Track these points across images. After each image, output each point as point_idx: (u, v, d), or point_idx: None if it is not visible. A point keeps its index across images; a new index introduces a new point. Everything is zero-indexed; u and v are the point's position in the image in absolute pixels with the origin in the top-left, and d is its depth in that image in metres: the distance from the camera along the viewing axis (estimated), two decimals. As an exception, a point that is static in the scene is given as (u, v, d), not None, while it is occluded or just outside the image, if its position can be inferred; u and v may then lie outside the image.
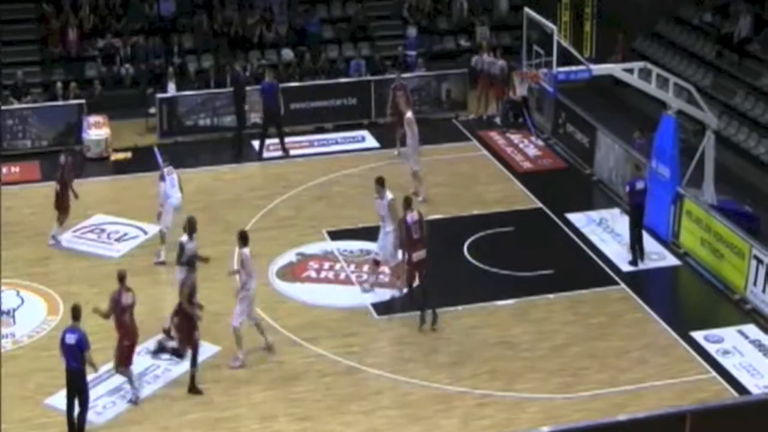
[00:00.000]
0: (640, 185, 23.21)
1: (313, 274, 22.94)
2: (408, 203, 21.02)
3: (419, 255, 20.85)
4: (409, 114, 26.00)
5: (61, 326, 21.00)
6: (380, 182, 21.75)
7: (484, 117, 30.99)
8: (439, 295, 21.96)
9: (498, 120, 30.68)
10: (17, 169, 27.67)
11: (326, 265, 23.23)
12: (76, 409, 17.88)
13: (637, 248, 23.16)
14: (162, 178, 23.72)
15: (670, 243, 23.80)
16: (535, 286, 22.39)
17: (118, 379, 19.38)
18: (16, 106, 29.07)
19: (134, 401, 18.84)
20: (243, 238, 19.96)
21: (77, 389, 17.84)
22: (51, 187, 25.85)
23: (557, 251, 23.89)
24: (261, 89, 28.70)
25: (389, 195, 21.57)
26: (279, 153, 28.42)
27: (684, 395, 18.93)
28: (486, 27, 33.99)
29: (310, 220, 25.01)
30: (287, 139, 29.05)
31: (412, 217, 20.76)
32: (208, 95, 30.13)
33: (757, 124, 27.72)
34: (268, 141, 28.55)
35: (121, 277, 18.78)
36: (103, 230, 24.69)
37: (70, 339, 17.69)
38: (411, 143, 25.83)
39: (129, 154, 28.74)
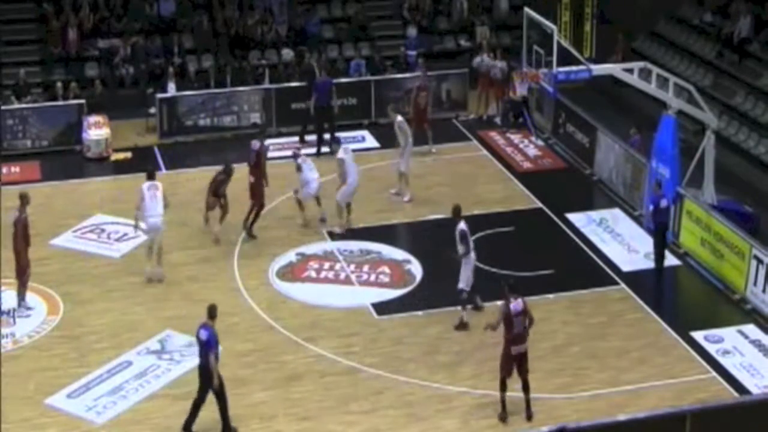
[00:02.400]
0: (664, 203, 22.79)
1: (313, 274, 22.94)
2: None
3: (518, 349, 18.23)
4: (399, 117, 26.08)
5: (62, 326, 21.10)
6: (456, 212, 21.01)
7: (484, 117, 30.99)
8: (440, 295, 22.00)
9: (498, 120, 30.68)
10: (17, 169, 27.67)
11: (326, 265, 23.23)
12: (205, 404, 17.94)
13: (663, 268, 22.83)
14: (299, 169, 24.44)
15: (671, 243, 23.79)
16: (535, 286, 22.37)
17: (118, 379, 19.38)
18: (17, 106, 29.06)
19: None
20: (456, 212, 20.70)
21: (209, 388, 17.79)
22: (51, 187, 25.93)
23: (557, 251, 23.89)
24: (315, 86, 28.70)
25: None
26: (284, 153, 28.43)
27: (684, 395, 18.92)
28: (486, 27, 33.99)
29: (310, 220, 24.98)
30: (288, 139, 29.06)
31: (516, 305, 18.02)
32: (208, 95, 30.12)
33: (757, 124, 27.73)
34: (270, 141, 28.56)
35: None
36: (103, 230, 24.68)
37: (203, 335, 17.66)
38: (404, 145, 25.90)
39: (129, 154, 28.74)
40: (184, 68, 31.64)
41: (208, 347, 17.56)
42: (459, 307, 20.79)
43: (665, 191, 23.12)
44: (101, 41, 31.74)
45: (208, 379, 17.67)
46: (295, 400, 18.94)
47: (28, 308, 21.38)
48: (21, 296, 21.41)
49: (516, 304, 17.92)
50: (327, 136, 28.53)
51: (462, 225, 20.68)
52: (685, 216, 23.60)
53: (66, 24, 31.71)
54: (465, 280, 20.75)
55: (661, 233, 22.84)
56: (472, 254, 20.73)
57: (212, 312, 17.76)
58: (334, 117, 28.78)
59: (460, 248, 20.57)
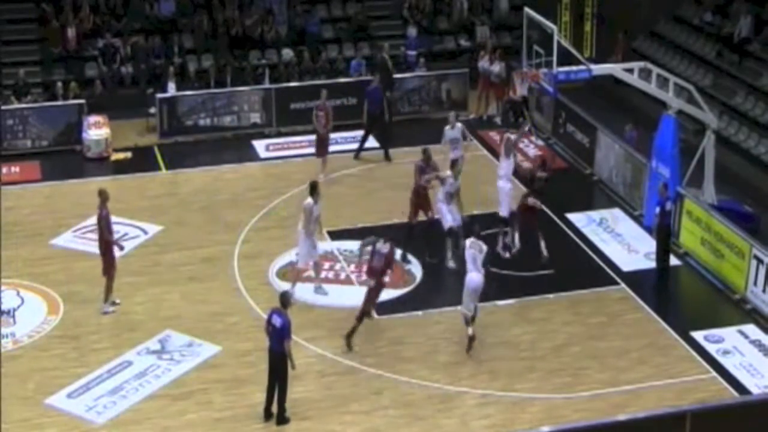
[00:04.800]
0: (669, 205, 22.58)
1: (313, 274, 22.92)
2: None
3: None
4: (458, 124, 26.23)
5: (61, 326, 21.10)
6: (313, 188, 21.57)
7: (484, 117, 30.99)
8: (440, 294, 22.00)
9: (498, 120, 30.69)
10: (17, 169, 27.67)
11: (326, 265, 23.21)
12: (276, 393, 18.22)
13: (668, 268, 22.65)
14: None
15: (671, 243, 23.77)
16: (535, 286, 22.39)
17: (118, 379, 19.39)
18: (17, 105, 29.06)
19: None
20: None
21: (276, 372, 18.05)
22: (51, 187, 25.94)
23: (557, 251, 23.88)
24: (366, 93, 28.59)
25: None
26: (283, 153, 28.44)
27: (684, 395, 18.93)
28: (486, 27, 34.01)
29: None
30: (288, 139, 29.07)
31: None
32: (208, 95, 30.12)
33: (757, 124, 27.73)
34: (269, 141, 28.58)
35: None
36: (103, 230, 24.66)
37: (277, 321, 17.89)
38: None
39: (129, 154, 28.74)
40: (184, 68, 31.65)
41: (282, 335, 17.79)
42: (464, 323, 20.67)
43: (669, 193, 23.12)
44: (101, 41, 31.73)
45: (284, 367, 17.95)
46: (295, 400, 18.93)
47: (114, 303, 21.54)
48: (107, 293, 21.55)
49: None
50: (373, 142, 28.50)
51: (309, 200, 21.24)
52: (685, 216, 23.60)
53: (66, 24, 31.71)
54: (303, 255, 21.54)
55: (666, 234, 22.72)
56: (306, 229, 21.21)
57: (284, 300, 18.11)
58: (386, 127, 28.47)
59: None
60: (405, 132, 29.54)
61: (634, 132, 26.48)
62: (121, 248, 22.01)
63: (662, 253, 22.78)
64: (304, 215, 21.48)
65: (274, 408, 18.32)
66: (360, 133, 29.47)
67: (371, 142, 29.44)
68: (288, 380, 18.18)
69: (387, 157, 28.24)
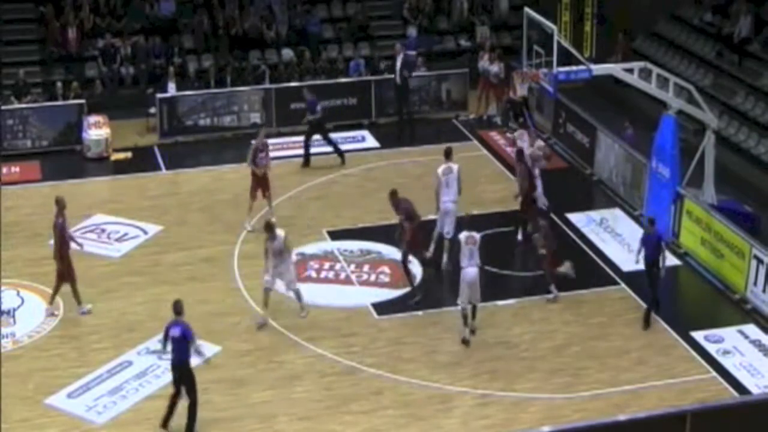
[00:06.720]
0: (653, 240, 21.14)
1: (313, 274, 22.93)
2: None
3: None
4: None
5: (61, 326, 21.10)
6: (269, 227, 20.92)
7: (484, 117, 30.98)
8: (440, 295, 21.99)
9: (498, 120, 30.69)
10: (17, 169, 27.67)
11: (326, 265, 23.22)
12: (184, 402, 17.99)
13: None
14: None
15: (671, 243, 23.78)
16: (535, 286, 22.39)
17: (118, 379, 19.40)
18: (17, 105, 29.06)
19: None
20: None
21: (184, 384, 17.86)
22: (51, 187, 25.90)
23: (557, 251, 23.87)
24: (308, 103, 28.37)
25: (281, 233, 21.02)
26: (283, 153, 28.39)
27: (684, 395, 18.93)
28: (486, 27, 34.00)
29: (310, 220, 25.00)
30: (288, 139, 29.07)
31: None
32: (208, 95, 30.12)
33: (757, 124, 27.71)
34: (269, 141, 28.50)
35: None
36: (103, 230, 24.68)
37: (175, 332, 17.72)
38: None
39: (129, 154, 28.74)
40: (184, 68, 31.64)
41: (186, 340, 17.65)
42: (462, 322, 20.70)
43: (664, 185, 22.96)
44: (101, 41, 31.73)
45: (191, 374, 17.79)
46: (295, 400, 18.95)
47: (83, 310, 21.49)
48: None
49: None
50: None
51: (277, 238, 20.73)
52: (685, 216, 23.60)
53: (66, 24, 31.71)
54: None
55: (653, 266, 21.16)
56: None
57: (178, 308, 17.87)
58: (326, 132, 28.12)
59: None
60: (405, 132, 29.55)
61: (631, 131, 26.49)
62: (80, 246, 21.95)
63: (653, 286, 21.31)
64: (285, 251, 21.04)
65: (173, 422, 18.05)
66: (360, 132, 29.54)
67: (371, 142, 29.51)
68: (197, 393, 17.95)
69: (342, 159, 28.05)
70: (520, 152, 24.29)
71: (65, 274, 21.19)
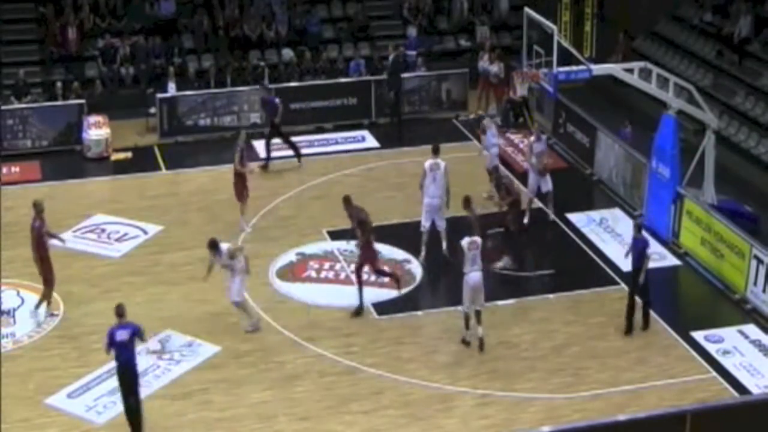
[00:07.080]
0: (639, 246, 20.81)
1: (313, 274, 22.94)
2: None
3: None
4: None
5: (62, 326, 21.09)
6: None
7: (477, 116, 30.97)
8: (440, 295, 21.98)
9: (498, 120, 30.67)
10: (17, 169, 27.67)
11: (326, 265, 23.23)
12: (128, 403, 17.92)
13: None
14: (484, 131, 25.91)
15: (671, 243, 23.79)
16: (535, 286, 22.39)
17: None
18: (17, 105, 29.06)
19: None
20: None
21: (132, 382, 17.74)
22: (51, 187, 25.94)
23: (557, 251, 23.90)
24: (266, 102, 28.48)
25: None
26: (283, 153, 28.38)
27: (684, 395, 18.92)
28: (486, 27, 34.00)
29: (310, 220, 25.00)
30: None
31: None
32: (208, 95, 30.12)
33: (757, 124, 27.72)
34: (274, 140, 28.55)
35: None
36: (103, 230, 24.68)
37: (123, 335, 17.60)
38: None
39: (129, 154, 28.75)
40: (184, 68, 31.64)
41: (133, 341, 17.62)
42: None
43: (664, 185, 22.92)
44: (101, 41, 31.73)
45: (137, 373, 17.75)
46: (295, 400, 18.94)
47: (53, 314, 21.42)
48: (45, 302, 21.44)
49: None
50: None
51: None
52: (685, 216, 23.59)
53: (66, 24, 31.71)
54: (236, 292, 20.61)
55: (639, 271, 20.78)
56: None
57: (120, 311, 17.80)
58: (283, 134, 28.09)
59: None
60: (405, 132, 29.57)
61: (629, 129, 26.51)
62: (62, 241, 21.97)
63: (644, 291, 20.96)
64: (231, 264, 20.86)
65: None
66: (360, 133, 29.53)
67: (371, 142, 29.50)
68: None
69: (299, 159, 28.00)
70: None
71: (47, 278, 21.15)
